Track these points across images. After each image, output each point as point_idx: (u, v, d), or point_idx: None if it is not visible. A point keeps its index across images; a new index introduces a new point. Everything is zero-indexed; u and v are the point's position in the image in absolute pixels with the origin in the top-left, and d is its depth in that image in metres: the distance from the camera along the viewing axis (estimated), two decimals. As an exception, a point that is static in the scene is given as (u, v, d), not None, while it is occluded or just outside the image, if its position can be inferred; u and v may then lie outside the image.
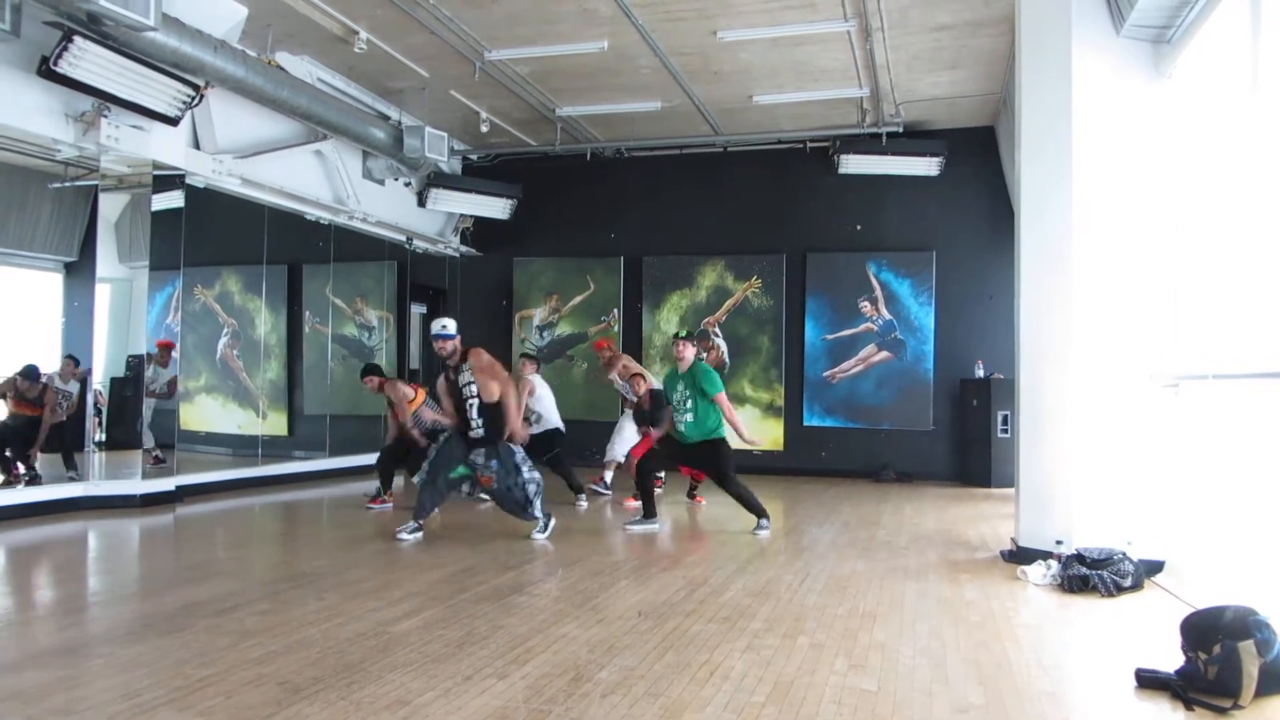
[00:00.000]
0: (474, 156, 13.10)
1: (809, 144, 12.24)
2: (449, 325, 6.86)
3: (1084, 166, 6.18)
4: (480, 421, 6.75)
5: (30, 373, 8.49)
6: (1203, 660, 3.57)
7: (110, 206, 8.74)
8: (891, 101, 10.69)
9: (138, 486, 8.35)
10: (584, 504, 8.84)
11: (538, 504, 6.88)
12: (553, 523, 7.02)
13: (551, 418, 9.23)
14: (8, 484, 8.31)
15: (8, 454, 8.56)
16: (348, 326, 12.37)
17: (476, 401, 6.75)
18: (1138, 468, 6.00)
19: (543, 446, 8.92)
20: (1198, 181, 5.90)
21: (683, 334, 7.58)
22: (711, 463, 7.49)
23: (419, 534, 6.81)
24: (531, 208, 12.72)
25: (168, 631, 4.30)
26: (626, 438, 9.45)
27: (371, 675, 3.67)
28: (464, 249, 13.53)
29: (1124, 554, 5.54)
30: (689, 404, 7.33)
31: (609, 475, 9.64)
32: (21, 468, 8.55)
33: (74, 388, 8.86)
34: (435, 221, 12.99)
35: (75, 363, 8.78)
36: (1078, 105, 6.19)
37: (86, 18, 6.79)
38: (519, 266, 13.36)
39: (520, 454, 6.90)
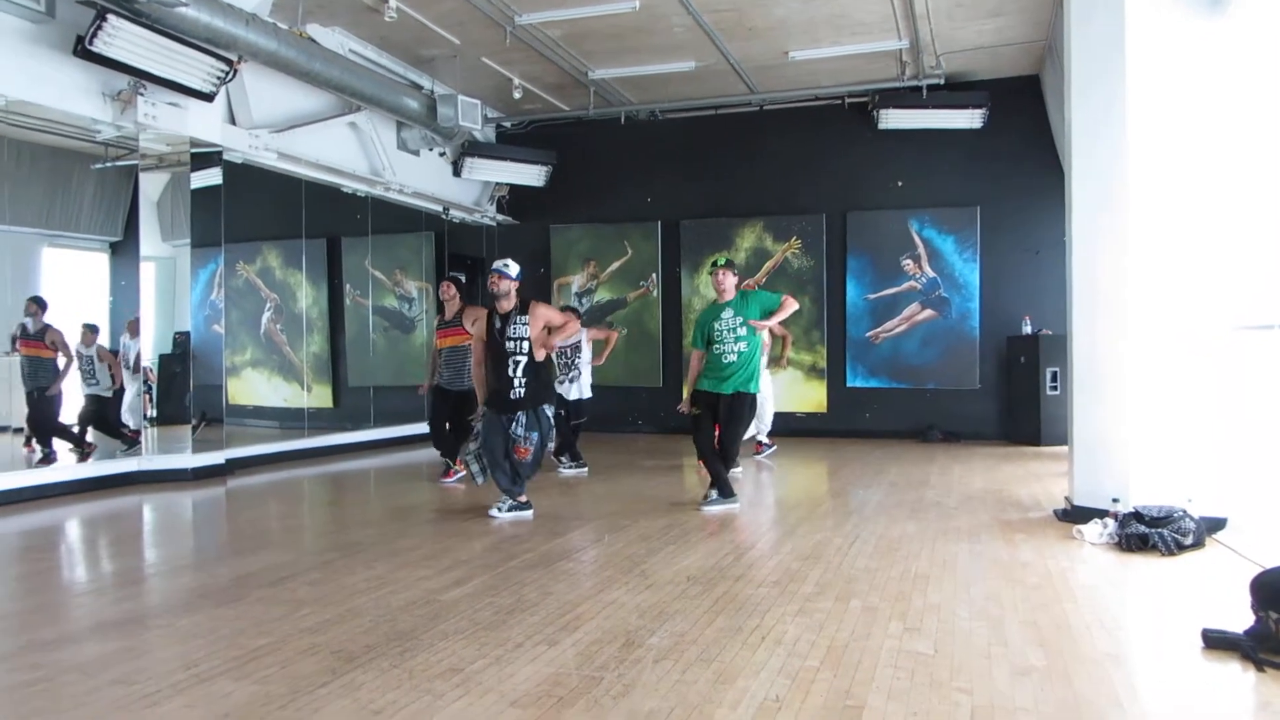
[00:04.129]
0: (507, 124, 13.01)
1: (847, 100, 11.98)
2: (511, 265, 6.33)
3: (1137, 108, 5.95)
4: (523, 381, 6.21)
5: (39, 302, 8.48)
6: (1274, 619, 3.46)
7: (151, 185, 8.79)
8: (932, 53, 10.42)
9: (189, 460, 8.48)
10: (564, 471, 8.77)
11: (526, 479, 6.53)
12: (524, 514, 6.44)
13: (587, 383, 9.21)
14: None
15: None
16: (388, 298, 12.41)
17: (525, 360, 6.23)
18: (1198, 421, 5.83)
19: (578, 414, 9.07)
20: (1260, 120, 5.66)
21: (721, 261, 6.85)
22: (736, 417, 6.64)
23: (527, 511, 6.44)
24: (566, 174, 12.65)
25: (223, 602, 4.35)
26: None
27: (423, 643, 3.68)
28: (500, 218, 13.50)
29: (1184, 511, 5.40)
30: (738, 334, 6.57)
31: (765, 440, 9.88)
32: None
33: (92, 352, 8.97)
34: (471, 191, 12.96)
35: (94, 331, 8.92)
36: (1130, 44, 5.96)
37: (119, -5, 6.80)
38: (556, 234, 13.30)
39: (551, 422, 6.50)
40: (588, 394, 9.20)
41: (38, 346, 8.37)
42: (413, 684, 3.23)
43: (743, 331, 6.60)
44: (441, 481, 8.23)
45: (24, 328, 8.34)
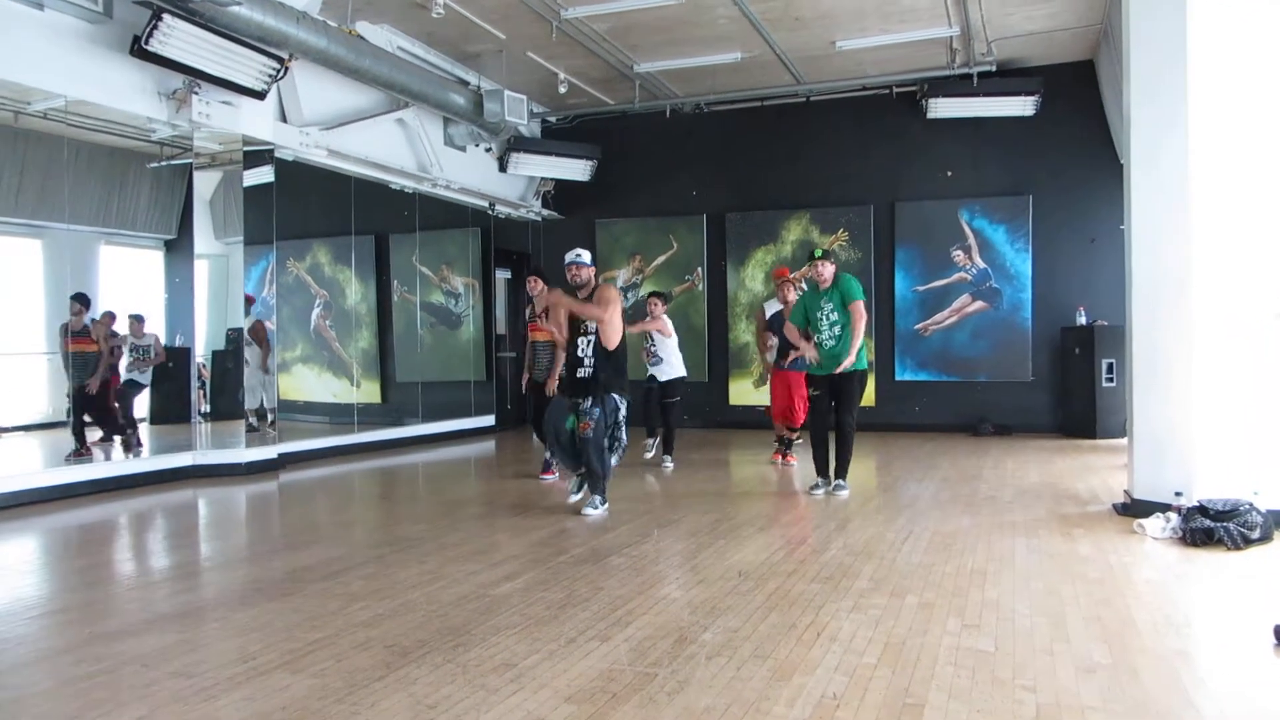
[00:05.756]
0: (553, 119, 13.02)
1: (895, 89, 11.81)
2: (584, 254, 6.63)
3: (1200, 90, 5.76)
4: (591, 361, 6.41)
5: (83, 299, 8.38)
6: (1352, 617, 3.33)
7: (204, 184, 8.95)
8: (983, 39, 10.22)
9: (242, 455, 8.61)
10: (670, 466, 8.66)
11: (610, 468, 6.50)
12: (606, 508, 6.43)
13: (676, 363, 8.88)
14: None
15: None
16: (435, 294, 12.50)
17: (594, 339, 6.41)
18: (1263, 412, 5.65)
19: (667, 394, 8.83)
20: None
21: (819, 254, 7.17)
22: (846, 393, 6.96)
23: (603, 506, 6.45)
24: (611, 168, 12.63)
25: (278, 595, 4.40)
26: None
27: (476, 638, 3.68)
28: (546, 212, 13.52)
29: (1251, 504, 5.24)
30: (835, 318, 6.96)
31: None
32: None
33: (148, 341, 8.97)
34: (517, 186, 12.99)
35: (140, 320, 8.95)
36: (1192, 29, 5.78)
37: (173, -5, 6.91)
38: (601, 228, 13.28)
39: (623, 411, 6.48)
40: (679, 373, 8.88)
41: (83, 342, 8.44)
42: (466, 679, 3.23)
43: (836, 317, 6.98)
44: (541, 477, 8.04)
45: (67, 326, 8.38)
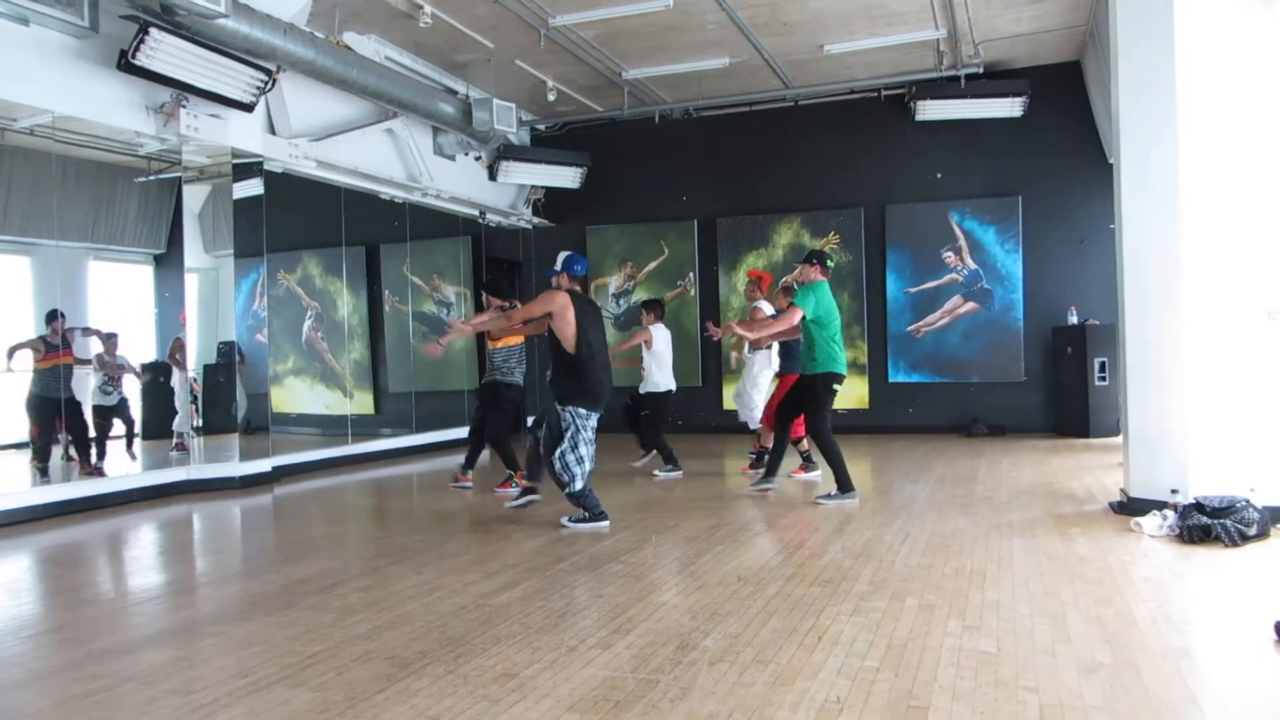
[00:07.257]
0: (542, 127, 13.02)
1: (884, 92, 11.85)
2: (558, 260, 6.22)
3: (1189, 89, 5.79)
4: (549, 372, 6.18)
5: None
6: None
7: (193, 198, 8.91)
8: (970, 42, 10.26)
9: (237, 469, 8.56)
10: (659, 474, 8.53)
11: (580, 487, 5.99)
12: (591, 526, 6.04)
13: (659, 378, 8.72)
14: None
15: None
16: (426, 304, 12.47)
17: (553, 353, 6.10)
18: (1258, 409, 5.67)
19: (640, 406, 8.80)
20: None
21: (831, 264, 7.12)
22: (803, 401, 6.95)
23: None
24: (601, 175, 12.64)
25: (275, 610, 4.37)
26: (758, 397, 8.78)
27: (476, 648, 3.66)
28: (536, 220, 13.52)
29: (1247, 501, 5.26)
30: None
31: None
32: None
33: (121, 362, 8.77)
34: (507, 194, 12.99)
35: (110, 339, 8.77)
36: (1179, 29, 5.81)
37: (160, 8, 6.89)
38: (592, 235, 13.29)
39: (571, 421, 5.95)
40: (651, 387, 8.74)
41: (53, 358, 8.02)
42: (468, 689, 3.21)
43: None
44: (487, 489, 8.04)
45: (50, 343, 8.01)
